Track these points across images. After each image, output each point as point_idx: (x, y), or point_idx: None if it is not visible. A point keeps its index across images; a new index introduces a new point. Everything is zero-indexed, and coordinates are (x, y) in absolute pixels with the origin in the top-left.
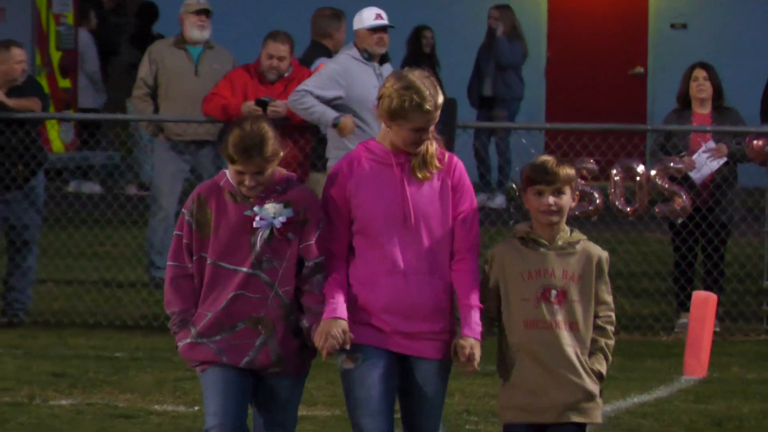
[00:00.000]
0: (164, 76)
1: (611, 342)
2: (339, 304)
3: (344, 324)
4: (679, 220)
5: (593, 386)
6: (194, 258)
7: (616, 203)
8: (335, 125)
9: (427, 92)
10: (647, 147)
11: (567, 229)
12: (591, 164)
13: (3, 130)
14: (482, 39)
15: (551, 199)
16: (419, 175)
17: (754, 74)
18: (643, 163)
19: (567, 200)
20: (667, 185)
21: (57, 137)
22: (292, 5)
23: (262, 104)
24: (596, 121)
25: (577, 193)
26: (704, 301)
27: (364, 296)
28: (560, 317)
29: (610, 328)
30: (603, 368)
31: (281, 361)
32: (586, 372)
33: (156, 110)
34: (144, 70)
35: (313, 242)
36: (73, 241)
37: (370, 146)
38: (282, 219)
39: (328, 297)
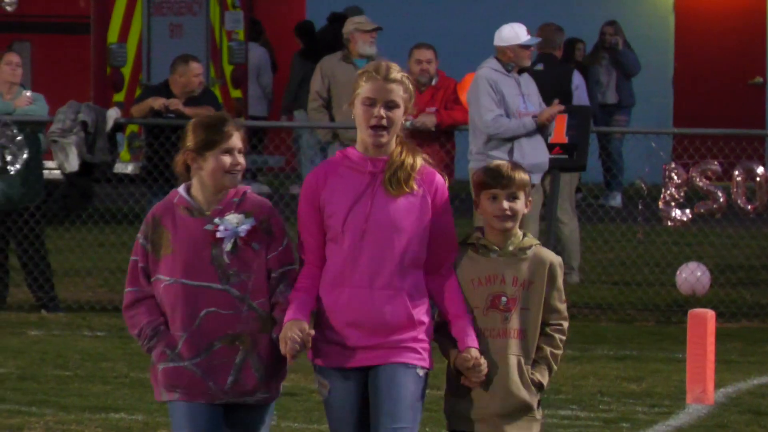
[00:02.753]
0: (336, 88)
1: (558, 352)
2: (298, 307)
3: (302, 323)
4: None
5: (530, 398)
6: (152, 279)
7: (738, 201)
8: (537, 124)
9: (384, 65)
10: (766, 150)
11: (519, 234)
12: (715, 166)
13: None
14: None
15: (506, 204)
16: (392, 192)
17: None
18: (763, 165)
19: (521, 205)
20: None
21: None
22: (438, 22)
23: None
24: (719, 126)
25: (530, 199)
26: None
27: (329, 308)
28: (510, 325)
29: (560, 337)
30: (544, 379)
31: (266, 381)
32: (525, 383)
33: (331, 119)
34: (317, 84)
35: (278, 252)
36: None
37: (348, 153)
38: (246, 227)
39: (290, 303)
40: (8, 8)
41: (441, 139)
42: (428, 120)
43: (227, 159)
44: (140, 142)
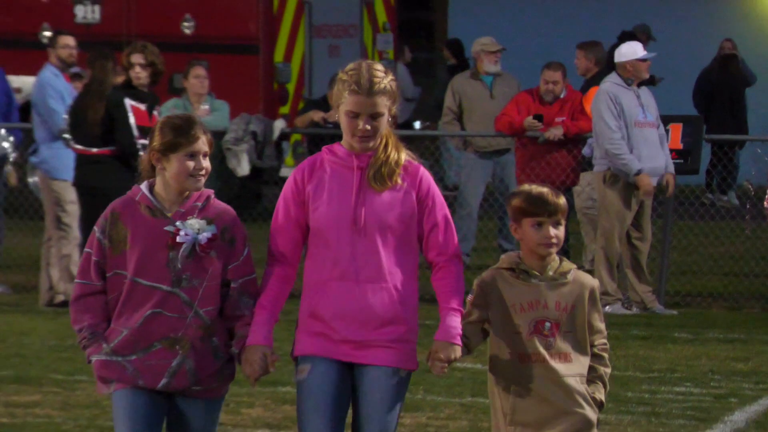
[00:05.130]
0: (466, 103)
1: (608, 370)
2: (260, 328)
3: (264, 349)
4: None
5: (593, 415)
6: (109, 275)
7: None
8: (636, 174)
9: (366, 77)
10: None
11: (557, 258)
12: None
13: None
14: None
15: (552, 231)
16: (375, 187)
17: None
18: None
19: (563, 231)
20: None
21: None
22: (566, 39)
23: (539, 117)
24: None
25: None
26: None
27: (316, 302)
28: (554, 349)
29: (606, 356)
30: (602, 396)
31: (198, 383)
32: (587, 401)
33: (463, 129)
34: (449, 101)
35: (239, 262)
36: None
37: (334, 149)
38: (207, 235)
39: (253, 320)
40: (187, 31)
41: (568, 145)
42: (557, 132)
43: (191, 163)
44: (303, 149)
